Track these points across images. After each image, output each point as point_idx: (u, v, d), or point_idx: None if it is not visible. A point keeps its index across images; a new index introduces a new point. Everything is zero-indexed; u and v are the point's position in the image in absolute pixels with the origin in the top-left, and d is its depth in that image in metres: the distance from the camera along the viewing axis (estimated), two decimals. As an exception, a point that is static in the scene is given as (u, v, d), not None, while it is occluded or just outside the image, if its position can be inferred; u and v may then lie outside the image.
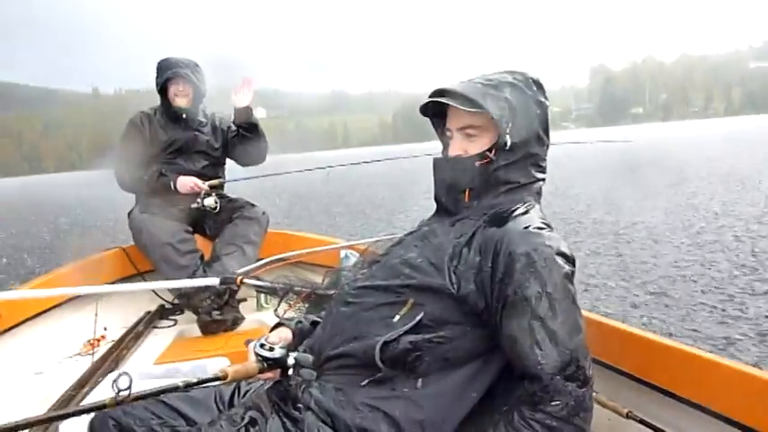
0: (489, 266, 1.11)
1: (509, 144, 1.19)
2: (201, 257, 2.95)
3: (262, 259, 2.77)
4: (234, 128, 3.12)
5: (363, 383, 1.12)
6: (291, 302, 2.51)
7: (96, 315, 2.61)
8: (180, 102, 2.99)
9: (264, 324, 2.86)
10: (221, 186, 3.16)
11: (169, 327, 2.89)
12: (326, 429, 1.08)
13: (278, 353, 1.17)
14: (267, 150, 3.19)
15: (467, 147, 1.23)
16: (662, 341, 1.42)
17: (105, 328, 2.68)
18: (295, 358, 1.17)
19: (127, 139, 3.03)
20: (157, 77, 2.96)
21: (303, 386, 1.15)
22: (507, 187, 1.22)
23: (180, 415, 1.23)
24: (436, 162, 1.30)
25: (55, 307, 2.55)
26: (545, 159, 1.27)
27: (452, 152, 1.24)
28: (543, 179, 1.28)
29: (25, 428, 0.89)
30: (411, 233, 1.34)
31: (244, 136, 3.07)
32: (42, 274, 2.70)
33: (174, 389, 1.02)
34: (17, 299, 2.26)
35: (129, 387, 1.01)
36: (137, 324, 2.79)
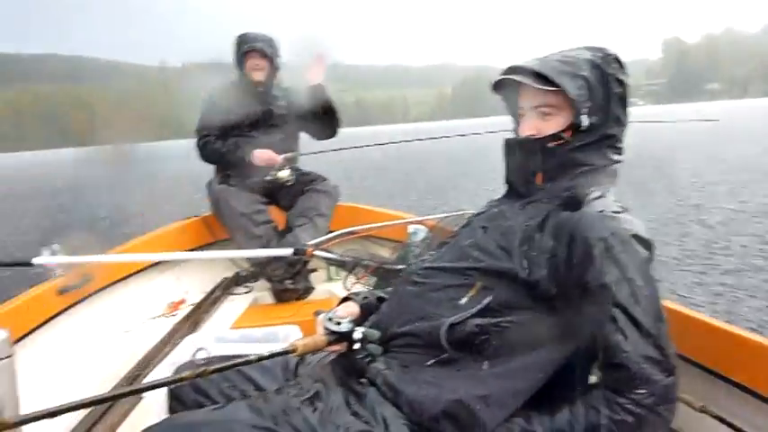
0: (564, 252, 1.08)
1: (586, 125, 1.14)
2: (275, 228, 3.05)
3: (332, 231, 2.84)
4: (308, 103, 3.17)
5: (429, 363, 1.12)
6: (360, 275, 2.57)
7: (178, 280, 2.78)
8: (256, 76, 3.07)
9: (334, 295, 2.94)
10: (295, 159, 3.23)
11: (244, 293, 3.02)
12: (388, 404, 1.10)
13: (345, 327, 1.18)
14: (340, 125, 3.23)
15: (540, 126, 1.19)
16: (743, 334, 1.35)
17: (186, 292, 2.85)
18: (362, 333, 1.18)
19: (206, 111, 3.16)
20: (236, 52, 3.06)
21: (368, 360, 1.17)
22: (582, 170, 1.17)
23: (248, 380, 1.28)
24: (508, 143, 1.26)
25: (141, 271, 2.73)
26: (622, 140, 1.21)
27: (525, 131, 1.20)
28: (620, 161, 1.22)
29: (116, 399, 0.95)
30: (479, 214, 1.31)
31: (317, 112, 3.12)
32: (131, 240, 2.89)
33: (247, 362, 1.07)
34: (109, 262, 2.43)
35: (207, 360, 1.07)
36: (214, 290, 2.94)
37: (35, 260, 2.12)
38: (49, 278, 2.14)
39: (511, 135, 1.29)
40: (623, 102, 1.19)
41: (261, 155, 3.02)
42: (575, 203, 1.14)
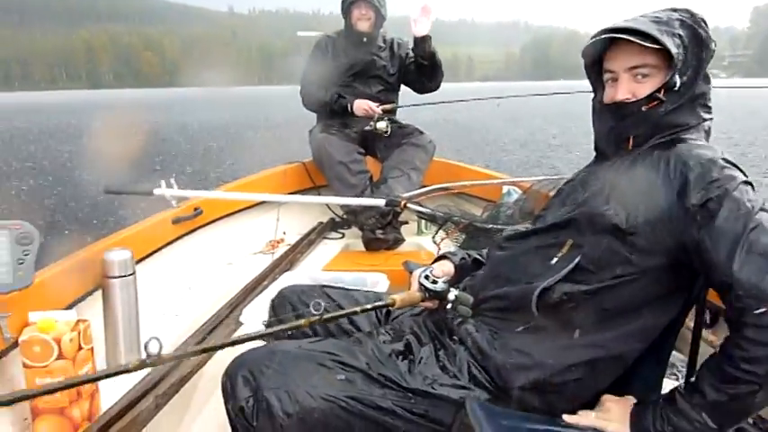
0: (660, 185, 1.06)
1: (679, 84, 1.10)
2: (370, 178, 3.13)
3: (426, 186, 2.88)
4: (412, 55, 3.17)
5: (518, 329, 1.14)
6: (449, 231, 2.60)
7: (278, 220, 2.95)
8: (362, 26, 3.10)
9: (422, 248, 3.00)
10: (394, 111, 3.27)
11: (337, 239, 3.17)
12: (476, 366, 1.14)
13: (440, 287, 1.21)
14: (442, 79, 3.21)
15: (635, 89, 1.14)
16: None
17: (284, 233, 3.03)
18: (456, 296, 1.20)
19: (312, 61, 3.25)
20: (342, 1, 3.09)
21: (459, 321, 1.21)
22: (676, 131, 1.13)
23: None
24: (599, 108, 1.22)
25: (246, 209, 2.93)
26: (710, 98, 1.17)
27: (620, 96, 1.15)
28: (711, 118, 1.18)
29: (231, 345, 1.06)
30: (570, 181, 1.30)
31: (421, 64, 3.11)
32: (238, 179, 3.10)
33: (353, 312, 1.15)
34: (218, 198, 2.63)
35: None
36: (310, 232, 3.10)
37: (155, 191, 2.34)
38: (166, 208, 2.36)
39: (595, 100, 1.25)
40: (709, 60, 1.15)
41: (360, 105, 3.08)
42: (667, 143, 1.12)
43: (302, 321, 1.06)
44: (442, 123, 16.15)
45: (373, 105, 3.09)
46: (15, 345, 1.40)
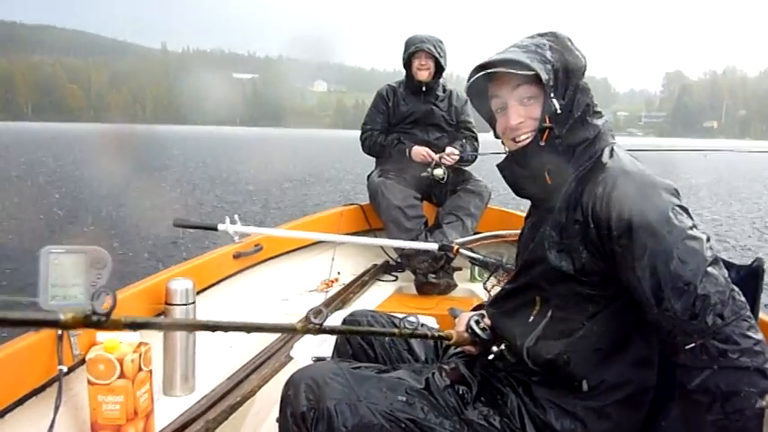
0: (592, 225, 1.04)
1: (560, 107, 1.11)
2: (426, 223, 3.17)
3: (479, 233, 2.89)
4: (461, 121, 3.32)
5: (535, 380, 1.16)
6: (501, 278, 2.58)
7: (333, 260, 3.03)
8: (421, 75, 3.22)
9: (474, 294, 2.99)
10: (466, 161, 3.32)
11: (390, 281, 3.20)
12: (527, 415, 1.15)
13: (488, 335, 1.27)
14: (477, 148, 3.37)
15: (526, 112, 1.15)
16: None
17: (339, 273, 3.09)
18: (499, 351, 1.24)
19: (373, 107, 3.39)
20: (404, 52, 3.23)
21: (504, 368, 1.24)
22: (581, 148, 1.13)
23: (406, 341, 1.45)
24: (502, 166, 1.23)
25: (303, 247, 3.03)
26: (595, 104, 1.17)
27: (513, 121, 1.16)
28: (606, 121, 1.17)
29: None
30: (521, 235, 1.31)
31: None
32: (298, 219, 3.22)
33: (414, 335, 1.16)
34: (278, 236, 2.74)
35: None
36: (364, 274, 3.15)
37: (220, 226, 2.46)
38: (229, 243, 2.47)
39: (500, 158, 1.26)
40: (583, 73, 1.16)
41: (419, 151, 3.17)
42: (588, 175, 1.10)
43: (380, 329, 1.21)
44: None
45: (431, 152, 3.16)
46: (82, 362, 1.50)
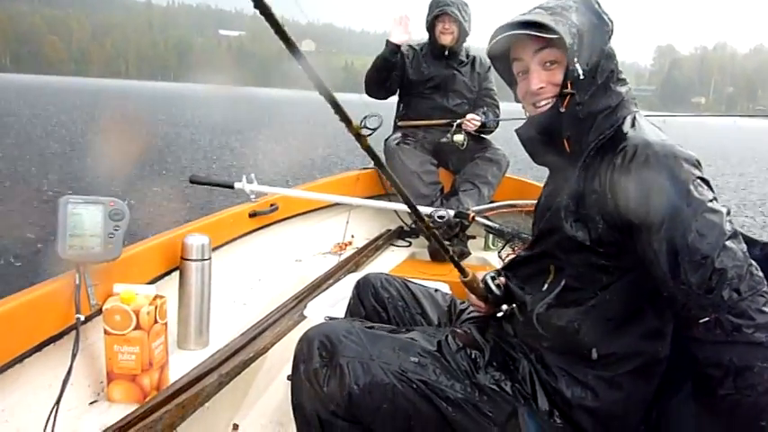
0: (610, 196, 1.03)
1: (583, 72, 1.06)
2: (441, 190, 3.15)
3: (495, 201, 2.86)
4: (484, 87, 3.24)
5: (546, 346, 1.16)
6: (516, 248, 2.57)
7: (347, 223, 3.02)
8: (444, 39, 3.14)
9: (488, 263, 2.98)
10: (486, 128, 3.26)
11: (404, 246, 3.20)
12: (539, 381, 1.15)
13: (500, 293, 1.27)
14: (498, 113, 3.31)
15: (547, 77, 1.12)
16: None
17: (352, 236, 3.09)
18: (504, 312, 1.26)
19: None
20: (427, 14, 3.15)
21: (516, 334, 1.24)
22: (603, 115, 1.10)
23: (419, 305, 1.46)
24: (521, 131, 1.20)
25: (318, 209, 3.02)
26: (620, 71, 1.13)
27: (534, 85, 1.13)
28: (630, 89, 1.14)
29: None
30: (537, 203, 1.30)
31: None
32: (314, 180, 3.21)
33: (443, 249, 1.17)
34: (293, 196, 2.73)
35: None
36: (378, 238, 3.15)
37: (236, 184, 2.46)
38: (245, 202, 2.48)
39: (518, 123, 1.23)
40: (610, 38, 1.12)
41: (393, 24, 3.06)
42: (609, 143, 1.08)
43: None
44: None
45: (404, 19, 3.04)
46: (99, 312, 1.52)
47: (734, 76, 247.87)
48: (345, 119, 0.78)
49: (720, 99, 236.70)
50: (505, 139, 3.48)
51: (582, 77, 1.07)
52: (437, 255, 2.98)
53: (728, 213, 0.96)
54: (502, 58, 1.22)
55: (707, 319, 0.92)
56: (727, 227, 0.94)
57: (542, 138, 1.16)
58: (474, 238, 3.22)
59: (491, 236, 3.12)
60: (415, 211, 1.05)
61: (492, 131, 3.27)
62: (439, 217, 2.34)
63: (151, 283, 1.77)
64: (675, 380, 1.13)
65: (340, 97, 0.75)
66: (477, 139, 3.22)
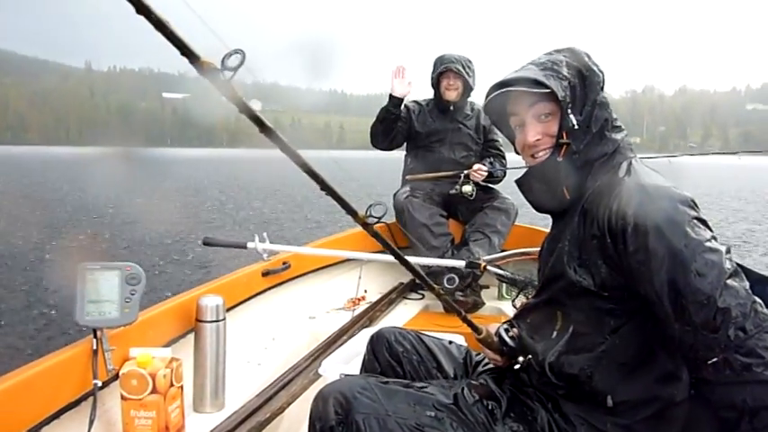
0: (609, 240, 1.04)
1: (577, 123, 1.11)
2: (452, 241, 3.16)
3: (506, 250, 2.86)
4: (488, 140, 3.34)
5: (562, 393, 1.15)
6: (529, 296, 2.56)
7: (360, 278, 3.03)
8: (449, 95, 3.23)
9: (502, 312, 2.96)
10: (494, 177, 3.31)
11: (417, 299, 3.19)
12: (555, 428, 1.14)
13: (514, 344, 1.28)
14: (505, 163, 3.38)
15: (543, 129, 1.16)
16: None
17: (365, 291, 3.10)
18: (526, 360, 1.25)
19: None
20: (432, 71, 3.25)
21: (532, 384, 1.23)
22: (600, 162, 1.13)
23: (434, 358, 1.45)
24: (521, 182, 1.24)
25: (330, 266, 3.04)
26: (615, 117, 1.16)
27: (531, 138, 1.17)
28: (626, 135, 1.17)
29: None
30: (542, 250, 1.31)
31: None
32: (324, 237, 3.24)
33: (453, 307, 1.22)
34: (305, 254, 2.76)
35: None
36: (391, 292, 3.15)
37: (249, 245, 2.49)
38: (257, 261, 2.50)
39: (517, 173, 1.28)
40: (602, 88, 1.16)
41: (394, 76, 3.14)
42: (605, 189, 1.10)
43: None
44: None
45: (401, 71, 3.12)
46: (116, 377, 1.52)
47: (664, 116, 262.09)
48: (351, 211, 0.82)
49: (654, 138, 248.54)
50: (513, 188, 3.51)
51: (577, 127, 1.12)
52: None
53: (728, 251, 0.97)
54: (499, 114, 1.27)
55: (715, 359, 0.92)
56: (728, 265, 0.95)
57: (542, 186, 1.19)
58: (487, 287, 3.21)
59: (504, 285, 3.10)
60: (423, 279, 1.09)
61: (499, 181, 3.31)
62: (449, 280, 2.36)
63: (167, 345, 1.78)
64: (696, 422, 1.11)
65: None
66: (485, 189, 3.26)
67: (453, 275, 1.93)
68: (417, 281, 3.26)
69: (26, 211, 12.42)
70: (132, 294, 1.52)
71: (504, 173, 3.29)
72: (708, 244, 0.96)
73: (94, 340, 1.48)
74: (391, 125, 3.20)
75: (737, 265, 0.99)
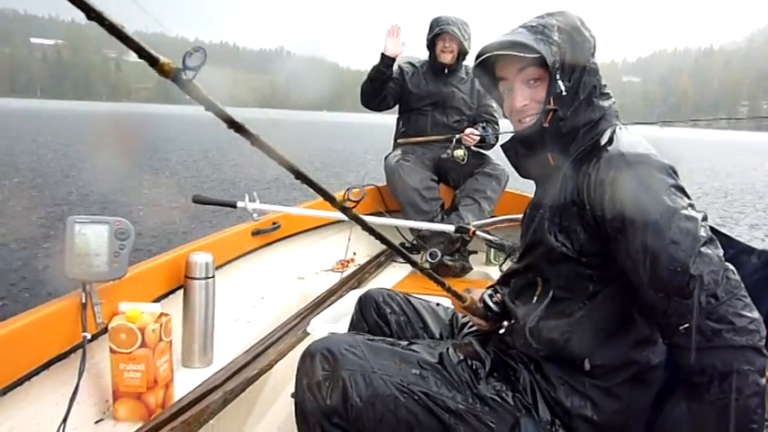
0: (587, 207, 1.05)
1: (565, 89, 1.10)
2: (442, 205, 3.17)
3: (496, 216, 2.88)
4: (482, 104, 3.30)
5: (543, 355, 1.18)
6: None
7: (349, 240, 3.04)
8: (444, 57, 3.19)
9: (490, 277, 2.99)
10: (486, 143, 3.29)
11: (405, 263, 3.20)
12: (539, 391, 1.16)
13: (498, 309, 1.31)
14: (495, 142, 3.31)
15: (531, 94, 1.15)
16: None
17: (354, 253, 3.11)
18: (510, 325, 1.28)
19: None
20: (428, 32, 3.20)
21: (515, 346, 1.25)
22: (584, 129, 1.13)
23: (421, 319, 1.47)
24: (506, 147, 1.24)
25: (319, 227, 3.05)
26: (604, 84, 1.16)
27: (518, 103, 1.16)
28: (613, 102, 1.17)
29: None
30: (524, 216, 1.32)
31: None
32: (314, 199, 3.23)
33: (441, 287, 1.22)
34: (295, 214, 2.76)
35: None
36: (379, 254, 3.17)
37: (239, 204, 2.48)
38: (247, 220, 2.50)
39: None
40: (593, 54, 1.14)
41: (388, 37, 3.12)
42: (587, 155, 1.11)
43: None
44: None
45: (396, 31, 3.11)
46: (105, 330, 1.53)
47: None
48: (328, 197, 0.81)
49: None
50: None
51: (564, 93, 1.11)
52: (439, 270, 2.99)
53: (704, 219, 0.99)
54: (488, 77, 1.26)
55: (686, 325, 0.94)
56: (702, 233, 0.96)
57: (527, 152, 1.19)
58: (476, 252, 3.23)
59: (492, 250, 3.13)
60: (405, 257, 1.15)
61: (491, 147, 3.30)
62: (431, 255, 2.37)
63: (156, 301, 1.79)
64: (670, 387, 1.14)
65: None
66: (477, 154, 3.25)
67: (436, 250, 1.94)
68: (407, 244, 3.31)
69: None
70: (121, 249, 1.52)
71: (496, 138, 3.27)
72: (684, 212, 0.97)
73: (83, 293, 1.49)
74: (382, 85, 3.16)
75: (712, 229, 1.01)
